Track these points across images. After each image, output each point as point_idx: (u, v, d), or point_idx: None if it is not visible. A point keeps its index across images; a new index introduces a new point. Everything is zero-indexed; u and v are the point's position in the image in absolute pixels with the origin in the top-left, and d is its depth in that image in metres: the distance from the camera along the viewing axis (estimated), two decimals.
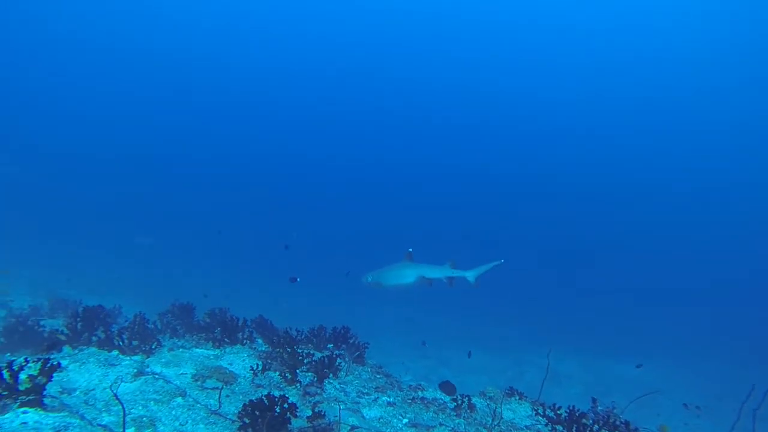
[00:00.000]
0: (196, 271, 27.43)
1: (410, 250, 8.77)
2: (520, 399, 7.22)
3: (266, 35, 59.08)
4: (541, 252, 48.56)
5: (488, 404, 6.80)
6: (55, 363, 4.77)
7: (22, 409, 4.42)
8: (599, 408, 6.03)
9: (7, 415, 4.29)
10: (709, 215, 57.62)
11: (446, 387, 7.40)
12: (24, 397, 4.51)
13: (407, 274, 8.50)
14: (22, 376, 4.56)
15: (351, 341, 8.70)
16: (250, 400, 4.84)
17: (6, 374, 4.49)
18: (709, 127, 57.58)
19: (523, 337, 23.06)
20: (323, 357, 6.84)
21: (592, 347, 21.57)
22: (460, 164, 64.17)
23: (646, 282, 41.64)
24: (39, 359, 4.76)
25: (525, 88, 61.69)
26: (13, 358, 7.63)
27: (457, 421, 6.02)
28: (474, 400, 6.73)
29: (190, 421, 4.94)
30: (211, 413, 5.18)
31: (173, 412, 5.08)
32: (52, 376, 4.72)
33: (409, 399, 6.79)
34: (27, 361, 4.70)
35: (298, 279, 11.90)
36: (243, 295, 22.35)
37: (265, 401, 4.85)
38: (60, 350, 7.50)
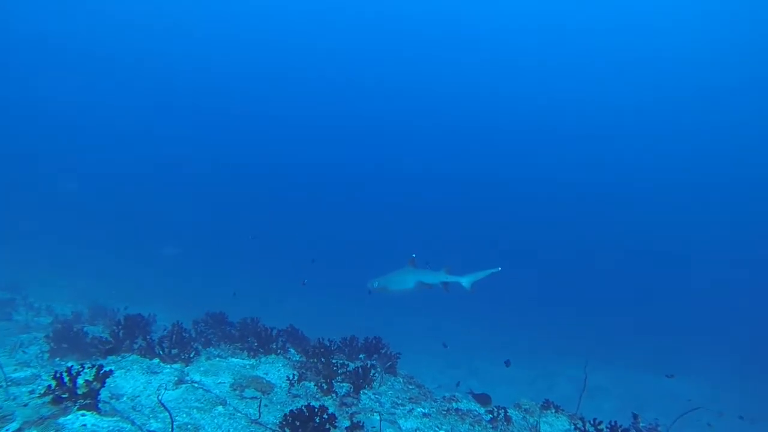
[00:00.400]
0: (221, 279, 27.96)
1: (413, 255, 8.88)
2: (556, 412, 7.09)
3: (285, 44, 60.33)
4: (567, 260, 47.82)
5: (524, 417, 6.72)
6: (107, 370, 4.99)
7: (81, 412, 4.65)
8: (641, 424, 5.87)
9: (69, 417, 4.52)
10: (743, 220, 55.72)
11: (481, 398, 7.33)
12: (82, 400, 4.75)
13: (409, 280, 8.64)
14: (80, 380, 4.80)
15: (383, 351, 8.74)
16: (291, 411, 4.94)
17: (66, 378, 4.74)
18: (709, 127, 57.02)
19: (551, 347, 22.56)
20: (357, 367, 6.90)
21: (622, 359, 20.94)
22: (470, 170, 64.59)
23: (678, 292, 40.34)
24: (93, 365, 5.00)
25: (526, 90, 61.79)
26: (69, 364, 8.00)
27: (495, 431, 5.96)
28: (510, 412, 6.66)
29: (231, 430, 5.07)
30: (252, 422, 5.30)
31: (215, 421, 5.22)
32: (105, 382, 4.95)
33: (443, 410, 6.77)
34: (83, 367, 4.94)
35: (306, 281, 11.89)
36: (267, 302, 22.70)
37: (305, 412, 4.94)
38: (105, 357, 7.83)
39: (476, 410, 7.01)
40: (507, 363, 13.05)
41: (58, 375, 4.77)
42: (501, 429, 6.17)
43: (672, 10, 47.90)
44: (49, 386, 5.22)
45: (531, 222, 58.59)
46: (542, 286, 39.78)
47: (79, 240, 30.63)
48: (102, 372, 4.90)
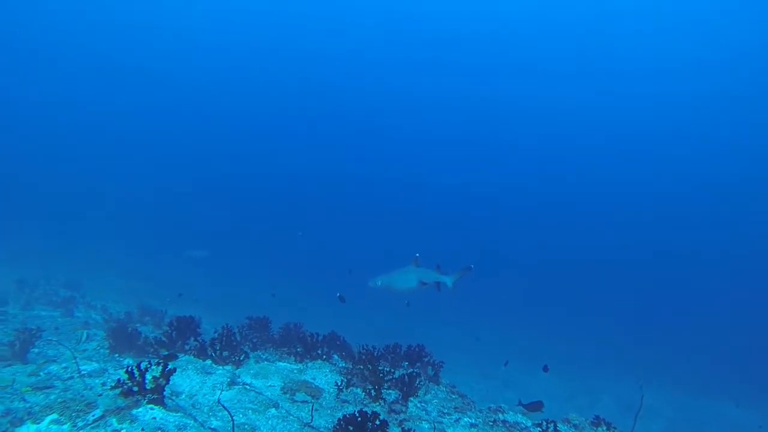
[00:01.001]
0: (251, 281, 28.55)
1: (417, 255, 9.14)
2: (608, 430, 6.87)
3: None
4: (606, 268, 46.35)
5: None
6: (171, 368, 5.26)
7: (150, 406, 4.92)
8: None
9: (140, 410, 4.80)
10: None
11: (534, 406, 7.19)
12: (150, 395, 5.02)
13: (412, 279, 8.92)
14: (148, 376, 5.08)
15: (426, 360, 8.75)
16: (344, 415, 5.03)
17: (136, 374, 5.03)
18: (713, 130, 56.22)
19: (592, 359, 21.77)
20: (403, 375, 6.95)
21: (671, 378, 19.92)
22: (480, 179, 65.16)
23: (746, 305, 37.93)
24: (159, 363, 5.27)
25: (526, 95, 61.97)
26: (127, 360, 8.43)
27: None
28: (559, 426, 6.51)
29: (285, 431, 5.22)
30: (304, 425, 5.43)
31: (269, 422, 5.38)
32: (170, 379, 5.21)
33: (490, 421, 6.70)
34: (150, 364, 5.23)
35: (345, 297, 11.86)
36: (304, 306, 23.04)
37: (358, 417, 5.03)
38: (160, 356, 8.22)
39: (523, 422, 6.90)
40: (545, 368, 12.49)
41: (129, 370, 5.07)
42: None
43: (674, 13, 48.19)
44: (119, 380, 5.56)
45: (563, 229, 57.43)
46: (579, 294, 38.63)
47: (126, 242, 32.10)
48: (167, 369, 5.16)
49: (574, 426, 6.83)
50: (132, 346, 9.78)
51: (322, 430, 5.38)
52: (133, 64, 59.40)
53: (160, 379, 5.13)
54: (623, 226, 58.14)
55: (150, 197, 50.41)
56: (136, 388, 5.06)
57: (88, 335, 10.99)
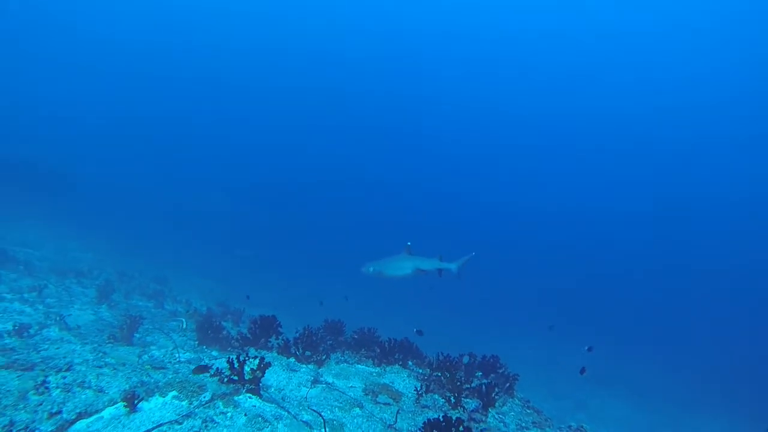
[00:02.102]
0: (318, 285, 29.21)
1: (409, 243, 9.36)
2: None
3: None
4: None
5: None
6: (267, 362, 5.61)
7: (248, 395, 5.29)
8: None
9: (240, 397, 5.18)
10: None
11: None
12: (248, 385, 5.40)
13: (406, 266, 9.11)
14: (246, 368, 5.47)
15: (500, 371, 8.58)
16: (429, 419, 5.08)
17: (237, 365, 5.43)
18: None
19: (679, 389, 20.00)
20: (481, 384, 6.87)
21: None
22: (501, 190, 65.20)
23: None
24: (256, 356, 5.65)
25: (523, 95, 62.93)
26: (214, 352, 9.02)
27: None
28: None
29: (370, 431, 5.36)
30: (388, 427, 5.55)
31: (355, 421, 5.56)
32: (265, 372, 5.56)
33: None
34: (248, 357, 5.62)
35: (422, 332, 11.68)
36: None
37: (443, 421, 5.05)
38: (244, 350, 8.76)
39: None
40: (589, 349, 11.20)
41: (230, 361, 5.48)
42: None
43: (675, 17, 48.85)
44: (218, 369, 6.02)
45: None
46: (661, 321, 35.93)
47: (202, 243, 34.31)
48: (264, 363, 5.52)
49: None
50: (217, 339, 10.48)
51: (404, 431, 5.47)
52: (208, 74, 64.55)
53: (257, 372, 5.50)
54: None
55: (221, 200, 53.39)
56: (236, 378, 5.46)
57: (186, 324, 11.97)
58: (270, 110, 70.14)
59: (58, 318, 10.59)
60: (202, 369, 5.62)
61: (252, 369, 5.47)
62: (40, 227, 20.52)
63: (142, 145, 59.32)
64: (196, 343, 10.38)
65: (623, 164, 64.12)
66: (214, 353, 9.60)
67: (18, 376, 4.67)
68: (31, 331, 9.38)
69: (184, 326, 11.11)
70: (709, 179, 60.36)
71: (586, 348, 11.30)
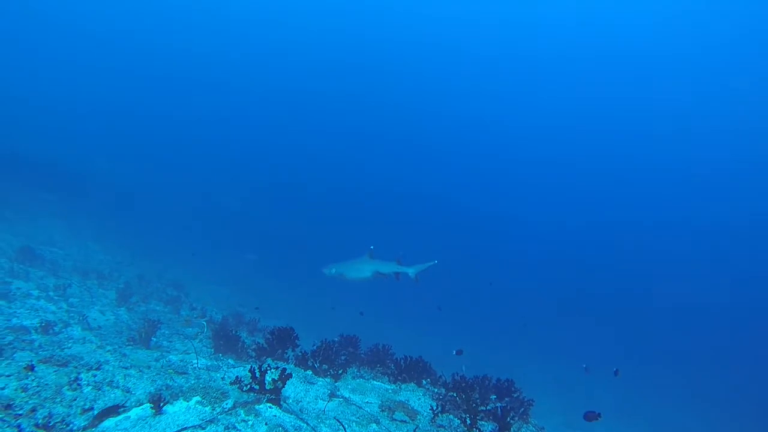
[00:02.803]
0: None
1: (372, 247, 9.65)
2: None
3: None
4: None
5: None
6: (288, 372, 5.70)
7: (269, 405, 5.37)
8: None
9: (261, 406, 5.26)
10: None
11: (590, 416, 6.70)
12: (269, 395, 5.48)
13: (366, 269, 9.47)
14: (267, 378, 5.56)
15: (515, 395, 8.50)
16: None
17: (258, 374, 5.52)
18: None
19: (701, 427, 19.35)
20: (497, 407, 6.83)
21: None
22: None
23: None
24: (277, 367, 5.74)
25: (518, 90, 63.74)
26: (230, 360, 9.10)
27: None
28: None
29: None
30: None
31: None
32: (286, 383, 5.64)
33: None
34: (270, 367, 5.71)
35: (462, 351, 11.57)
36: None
37: None
38: (259, 360, 8.84)
39: None
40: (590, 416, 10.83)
41: (252, 370, 5.58)
42: None
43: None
44: (237, 377, 6.12)
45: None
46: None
47: (218, 250, 34.60)
48: (286, 374, 5.60)
49: None
50: (233, 348, 10.58)
51: None
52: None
53: (278, 382, 5.58)
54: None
55: (235, 204, 53.75)
56: (257, 387, 5.55)
57: (206, 330, 12.13)
58: (283, 111, 71.47)
59: (80, 318, 10.86)
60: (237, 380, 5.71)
61: (273, 379, 5.55)
62: (62, 227, 21.09)
63: (159, 149, 60.66)
64: (212, 350, 10.49)
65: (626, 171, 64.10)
66: (231, 361, 9.71)
67: (55, 371, 4.84)
68: (56, 329, 9.64)
69: (205, 331, 11.25)
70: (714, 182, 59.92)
71: (614, 371, 11.18)
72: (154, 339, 10.49)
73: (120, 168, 44.83)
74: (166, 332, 11.69)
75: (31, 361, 4.90)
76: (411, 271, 9.65)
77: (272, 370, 5.68)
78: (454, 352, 10.12)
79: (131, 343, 9.78)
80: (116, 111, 63.66)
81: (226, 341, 10.70)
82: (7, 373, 4.45)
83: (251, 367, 5.61)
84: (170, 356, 9.04)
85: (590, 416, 8.21)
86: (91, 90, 64.44)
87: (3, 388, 4.27)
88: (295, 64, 67.70)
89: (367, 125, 71.74)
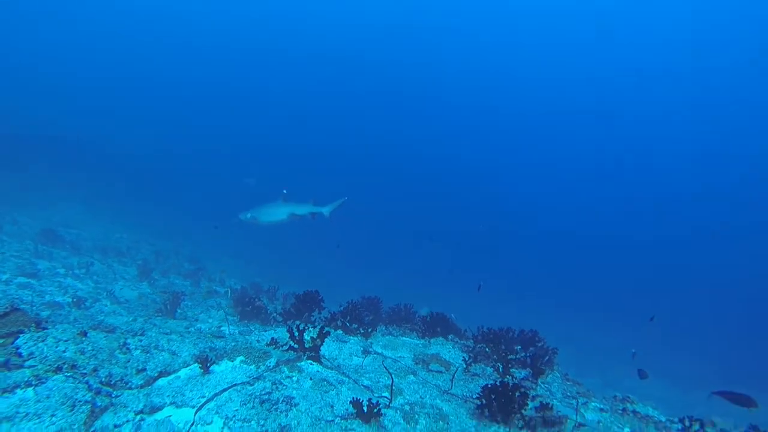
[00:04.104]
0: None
1: (285, 191, 9.94)
2: None
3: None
4: None
5: None
6: (327, 330, 5.84)
7: (309, 361, 5.53)
8: None
9: (302, 363, 5.42)
10: None
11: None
12: (309, 353, 5.64)
13: (280, 212, 9.76)
14: (306, 336, 5.70)
15: (539, 345, 8.71)
16: (487, 384, 5.26)
17: (296, 333, 5.67)
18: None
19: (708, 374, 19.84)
20: (526, 356, 7.02)
21: None
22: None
23: None
24: (315, 326, 5.88)
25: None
26: (255, 325, 9.28)
27: None
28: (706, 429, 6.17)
29: (428, 396, 5.56)
30: (444, 392, 5.75)
31: (411, 387, 5.77)
32: (324, 340, 5.80)
33: (619, 410, 6.55)
34: (307, 326, 5.85)
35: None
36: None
37: (500, 387, 5.22)
38: (285, 324, 9.04)
39: (656, 416, 6.64)
40: (642, 374, 11.19)
41: (290, 330, 5.72)
42: None
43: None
44: (272, 338, 6.29)
45: None
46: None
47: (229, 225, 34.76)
48: (324, 331, 5.74)
49: (721, 430, 6.40)
50: (257, 315, 10.80)
51: (460, 397, 5.65)
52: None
53: (317, 340, 5.73)
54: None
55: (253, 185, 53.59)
56: (296, 346, 5.71)
57: (215, 304, 12.38)
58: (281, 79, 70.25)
59: (107, 293, 11.10)
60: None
61: (312, 338, 5.70)
62: (78, 209, 21.26)
63: (174, 128, 59.98)
64: (238, 318, 10.72)
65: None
66: (259, 326, 9.96)
67: (104, 337, 4.98)
68: (87, 304, 9.88)
69: (229, 298, 11.48)
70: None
71: (650, 318, 11.51)
72: (179, 310, 10.74)
73: (135, 149, 44.49)
74: (189, 304, 11.94)
75: (83, 327, 5.05)
76: (325, 210, 10.03)
77: (310, 328, 5.81)
78: (478, 288, 10.53)
79: (159, 314, 10.02)
80: (131, 90, 62.81)
81: (250, 309, 10.91)
82: (64, 338, 4.59)
83: (289, 327, 5.74)
84: (198, 325, 9.28)
85: (642, 374, 8.55)
86: (106, 68, 63.09)
87: (64, 351, 4.42)
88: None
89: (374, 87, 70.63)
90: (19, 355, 4.17)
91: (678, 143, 61.66)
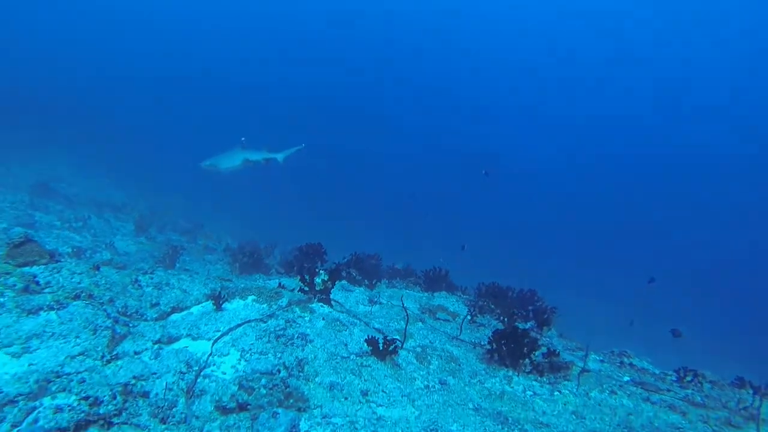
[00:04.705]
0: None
1: (243, 139, 10.15)
2: (755, 394, 6.59)
3: None
4: None
5: (712, 389, 6.39)
6: (338, 273, 5.85)
7: (320, 304, 5.56)
8: None
9: (313, 305, 5.46)
10: None
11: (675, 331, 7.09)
12: (319, 295, 5.67)
13: (236, 158, 9.93)
14: (317, 280, 5.72)
15: (538, 304, 8.87)
16: (497, 330, 5.35)
17: (307, 277, 5.68)
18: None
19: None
20: (529, 310, 7.16)
21: None
22: None
23: None
24: (324, 270, 5.89)
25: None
26: (257, 276, 9.28)
27: (687, 391, 5.81)
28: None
29: (437, 341, 5.66)
30: (452, 338, 5.85)
31: (420, 332, 5.85)
32: (335, 283, 5.82)
33: (617, 363, 6.76)
34: (317, 270, 5.86)
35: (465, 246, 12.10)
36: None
37: (510, 332, 5.33)
38: (289, 275, 9.06)
39: (651, 369, 6.87)
40: (676, 333, 11.15)
41: (302, 273, 5.73)
42: (693, 389, 5.98)
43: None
44: (280, 283, 6.31)
45: None
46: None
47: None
48: (335, 274, 5.76)
49: (712, 382, 6.64)
50: (257, 267, 10.83)
51: (468, 342, 5.77)
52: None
53: (328, 282, 5.75)
54: None
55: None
56: (307, 288, 5.73)
57: (214, 259, 12.38)
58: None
59: (106, 245, 11.00)
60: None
61: (323, 280, 5.72)
62: (71, 164, 20.80)
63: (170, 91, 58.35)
64: (238, 271, 10.73)
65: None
66: (262, 275, 10.00)
67: (117, 272, 4.94)
68: (87, 254, 9.79)
69: (227, 251, 11.46)
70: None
71: (648, 280, 11.62)
72: (178, 264, 10.72)
73: (128, 109, 43.22)
74: (187, 258, 11.91)
75: (96, 262, 4.99)
76: (279, 156, 10.30)
77: (322, 272, 5.83)
78: (462, 248, 10.64)
79: (160, 265, 9.96)
80: (129, 50, 60.56)
81: (251, 261, 10.90)
82: (78, 271, 4.54)
83: (299, 270, 5.75)
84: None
85: (676, 333, 8.76)
86: (105, 36, 60.76)
87: (79, 282, 4.38)
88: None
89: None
90: (37, 283, 4.12)
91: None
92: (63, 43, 57.17)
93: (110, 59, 57.98)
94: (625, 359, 7.06)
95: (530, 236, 38.71)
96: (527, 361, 5.28)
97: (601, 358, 6.74)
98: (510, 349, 5.28)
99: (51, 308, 3.89)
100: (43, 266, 4.41)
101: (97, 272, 4.67)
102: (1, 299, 3.80)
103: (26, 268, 4.41)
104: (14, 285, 4.07)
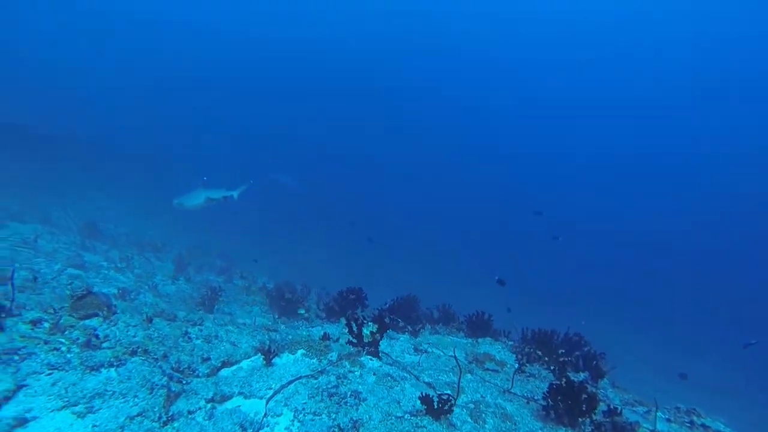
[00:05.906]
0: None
1: (205, 179, 11.24)
2: None
3: None
4: None
5: None
6: (384, 322, 5.74)
7: (369, 357, 5.44)
8: None
9: (362, 359, 5.34)
10: None
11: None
12: (368, 348, 5.55)
13: (199, 196, 10.93)
14: (365, 331, 5.62)
15: (585, 349, 8.44)
16: (555, 384, 5.08)
17: (355, 328, 5.59)
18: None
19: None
20: (578, 357, 6.80)
21: None
22: None
23: None
24: (372, 321, 5.80)
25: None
26: (299, 323, 9.23)
27: None
28: None
29: (488, 395, 5.41)
30: (504, 391, 5.58)
31: (470, 385, 5.62)
32: (383, 335, 5.70)
33: (686, 423, 6.27)
34: (365, 321, 5.77)
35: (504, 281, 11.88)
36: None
37: (567, 388, 5.04)
38: (329, 321, 8.99)
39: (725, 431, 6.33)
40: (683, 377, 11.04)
41: (349, 324, 5.65)
42: None
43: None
44: (325, 333, 6.22)
45: None
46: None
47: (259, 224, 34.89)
48: (384, 326, 5.65)
49: None
50: (296, 312, 10.82)
51: (521, 396, 5.49)
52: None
53: (377, 335, 5.64)
54: None
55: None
56: (355, 341, 5.63)
57: (252, 301, 12.44)
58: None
59: (149, 286, 11.25)
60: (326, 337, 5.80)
61: (372, 332, 5.62)
62: (112, 205, 21.76)
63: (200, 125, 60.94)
64: (276, 315, 10.73)
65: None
66: (303, 323, 9.94)
67: (168, 324, 5.00)
68: (131, 296, 10.02)
69: (265, 293, 11.55)
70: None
71: (749, 343, 11.32)
72: (217, 305, 10.82)
73: (147, 148, 45.39)
74: (225, 299, 12.03)
75: (148, 313, 5.07)
76: (235, 194, 11.45)
77: (368, 323, 5.73)
78: (496, 279, 10.55)
79: (200, 308, 10.09)
80: (158, 88, 64.37)
81: (286, 305, 10.91)
82: (133, 323, 4.62)
83: (348, 321, 5.67)
84: (239, 320, 9.29)
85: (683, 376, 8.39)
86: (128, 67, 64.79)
87: (134, 336, 4.44)
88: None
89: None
90: (97, 336, 4.20)
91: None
92: (117, 91, 61.06)
93: (157, 107, 61.43)
94: (696, 418, 6.54)
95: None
96: (587, 420, 4.96)
97: (667, 416, 6.27)
98: (567, 406, 4.98)
99: (111, 365, 3.94)
100: (101, 318, 4.50)
101: (150, 325, 4.73)
102: (69, 355, 3.88)
103: (87, 321, 4.52)
104: (77, 339, 4.16)
